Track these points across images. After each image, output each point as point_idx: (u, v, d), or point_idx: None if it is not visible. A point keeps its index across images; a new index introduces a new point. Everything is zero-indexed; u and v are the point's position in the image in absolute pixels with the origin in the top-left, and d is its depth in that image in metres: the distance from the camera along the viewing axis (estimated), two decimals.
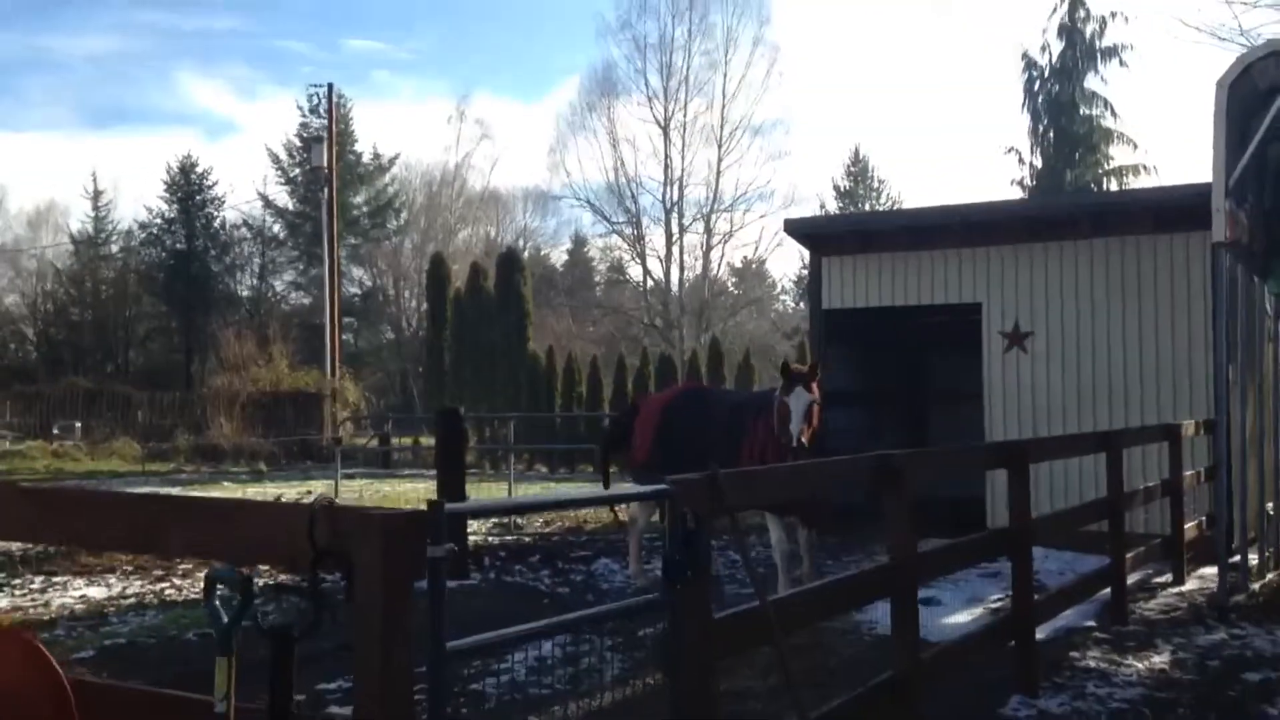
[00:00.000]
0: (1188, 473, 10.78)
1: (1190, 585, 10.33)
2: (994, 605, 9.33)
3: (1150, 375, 12.90)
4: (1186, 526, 10.65)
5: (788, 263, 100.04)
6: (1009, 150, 37.12)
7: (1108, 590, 8.51)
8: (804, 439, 8.73)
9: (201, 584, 8.76)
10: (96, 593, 10.04)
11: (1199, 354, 12.59)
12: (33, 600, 9.67)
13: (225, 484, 23.58)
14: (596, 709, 6.10)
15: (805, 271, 56.12)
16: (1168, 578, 10.51)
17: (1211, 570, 11.10)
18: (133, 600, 9.69)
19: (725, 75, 50.05)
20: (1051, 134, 35.39)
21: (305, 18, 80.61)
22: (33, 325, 53.77)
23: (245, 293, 57.49)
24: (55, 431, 33.37)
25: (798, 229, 16.03)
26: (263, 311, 52.40)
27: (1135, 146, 35.76)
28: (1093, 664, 7.39)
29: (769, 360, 41.98)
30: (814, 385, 8.99)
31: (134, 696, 3.44)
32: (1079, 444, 8.04)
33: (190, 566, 11.31)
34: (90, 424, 33.81)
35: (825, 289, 14.88)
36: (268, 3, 79.12)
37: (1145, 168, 35.29)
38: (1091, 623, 8.47)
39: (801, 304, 58.00)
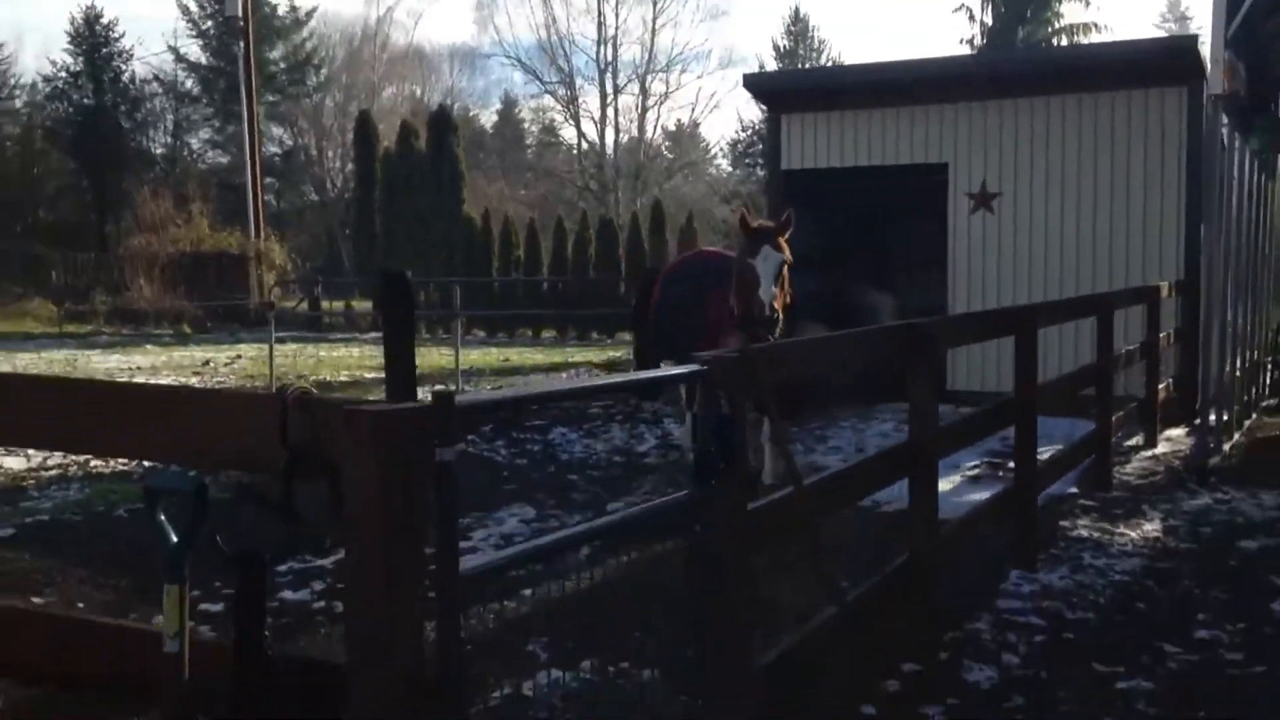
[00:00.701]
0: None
1: (1162, 448, 10.15)
2: (971, 472, 9.05)
3: (1120, 236, 12.53)
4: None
5: (724, 126, 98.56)
6: (959, 7, 36.22)
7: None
8: (776, 307, 7.20)
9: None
10: (14, 464, 9.30)
11: (1170, 213, 12.23)
12: None
13: (148, 347, 22.59)
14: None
15: (743, 134, 55.34)
16: (1137, 440, 10.34)
17: (1178, 432, 10.98)
18: (55, 472, 8.98)
19: None
20: None
21: None
22: None
23: (160, 150, 54.88)
24: None
25: (757, 84, 15.23)
26: (179, 170, 50.14)
27: (1087, 3, 35.14)
28: (1085, 533, 7.11)
29: (709, 225, 41.33)
30: (783, 242, 7.38)
31: (68, 628, 2.82)
32: (1077, 307, 7.63)
33: None
34: (1, 284, 32.21)
35: (785, 149, 14.20)
36: None
37: (1096, 26, 34.68)
38: (1074, 489, 8.19)
39: (737, 169, 57.15)
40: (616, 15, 49.71)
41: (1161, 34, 41.25)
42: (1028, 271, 13.03)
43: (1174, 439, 10.63)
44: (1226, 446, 9.76)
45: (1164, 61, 12.09)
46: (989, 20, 34.87)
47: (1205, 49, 10.74)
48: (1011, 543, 6.17)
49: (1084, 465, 8.09)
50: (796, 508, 3.60)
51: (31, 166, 51.16)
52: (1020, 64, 13.77)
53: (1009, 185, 13.09)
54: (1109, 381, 8.22)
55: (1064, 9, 34.55)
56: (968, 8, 35.71)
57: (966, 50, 34.66)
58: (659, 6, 48.96)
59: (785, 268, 7.39)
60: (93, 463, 9.34)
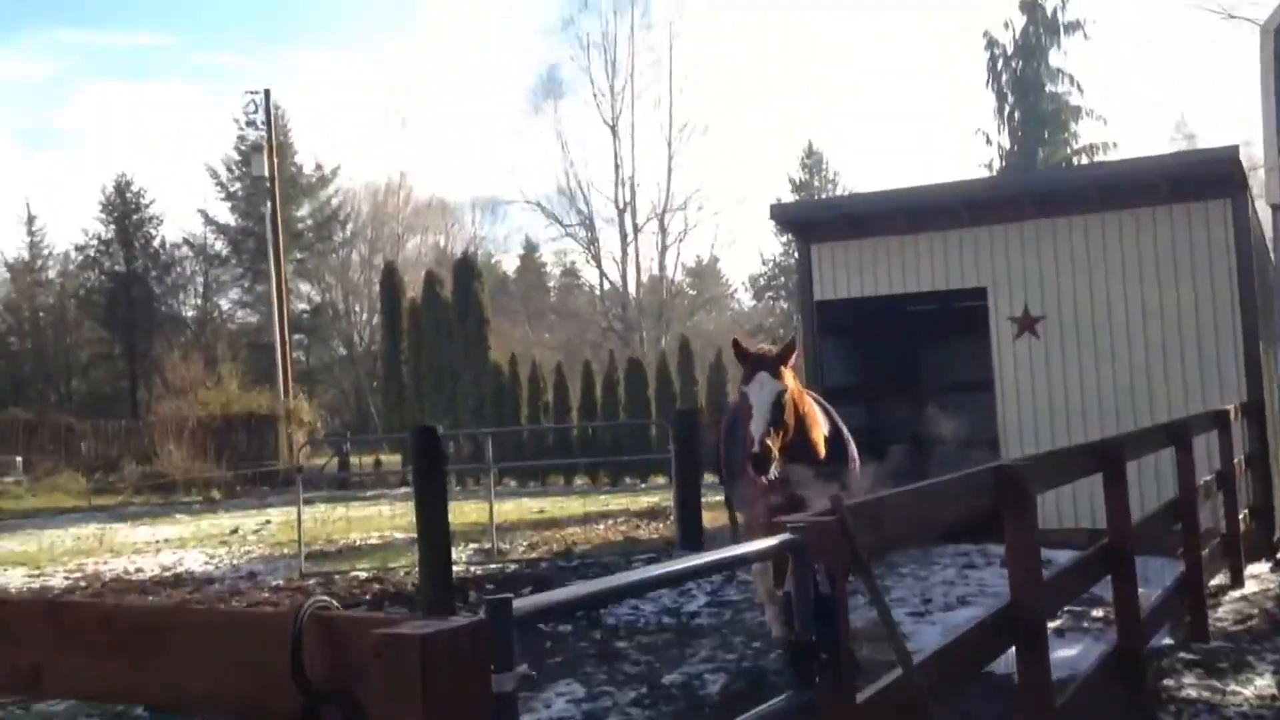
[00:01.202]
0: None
1: (1250, 587, 9.42)
2: (1053, 623, 8.34)
3: (1175, 356, 12.01)
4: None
5: (744, 261, 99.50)
6: (976, 132, 36.60)
7: None
8: (770, 445, 6.14)
9: None
10: None
11: (1226, 331, 11.74)
12: None
13: (178, 516, 22.18)
14: None
15: (764, 268, 55.66)
16: (1222, 579, 9.59)
17: (1262, 568, 10.27)
18: None
19: (672, 73, 49.22)
20: (1018, 113, 34.82)
21: (235, 29, 78.48)
22: None
23: (190, 313, 55.66)
24: None
25: (783, 214, 15.04)
26: (209, 332, 50.69)
27: (1105, 122, 35.42)
28: (1194, 693, 6.42)
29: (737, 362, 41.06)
30: (784, 371, 6.43)
31: None
32: (1155, 437, 7.09)
33: None
34: (31, 458, 32.07)
35: (815, 279, 13.87)
36: (192, 16, 76.93)
37: (1114, 144, 34.89)
38: (1168, 640, 7.50)
39: (759, 302, 57.28)
40: (633, 158, 50.40)
41: (1174, 150, 41.41)
42: (1080, 397, 12.50)
43: (1260, 576, 9.91)
44: None
45: (1206, 173, 11.78)
46: (1006, 143, 35.15)
47: (1248, 159, 10.49)
48: (1123, 711, 5.51)
49: (1175, 612, 7.42)
50: (910, 694, 3.07)
51: (65, 336, 51.91)
52: (1056, 182, 13.50)
53: (1052, 308, 12.66)
54: (1194, 516, 7.61)
55: (1080, 129, 34.87)
56: (984, 132, 36.15)
57: (986, 174, 35.10)
58: (673, 148, 49.79)
59: (784, 398, 6.35)
60: None
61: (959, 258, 13.11)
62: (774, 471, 6.14)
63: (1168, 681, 6.58)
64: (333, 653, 1.80)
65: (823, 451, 6.65)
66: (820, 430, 6.75)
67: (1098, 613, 8.52)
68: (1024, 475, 4.22)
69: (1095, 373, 12.44)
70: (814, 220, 14.09)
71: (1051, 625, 8.20)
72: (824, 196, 45.99)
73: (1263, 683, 6.59)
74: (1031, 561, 4.18)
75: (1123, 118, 69.54)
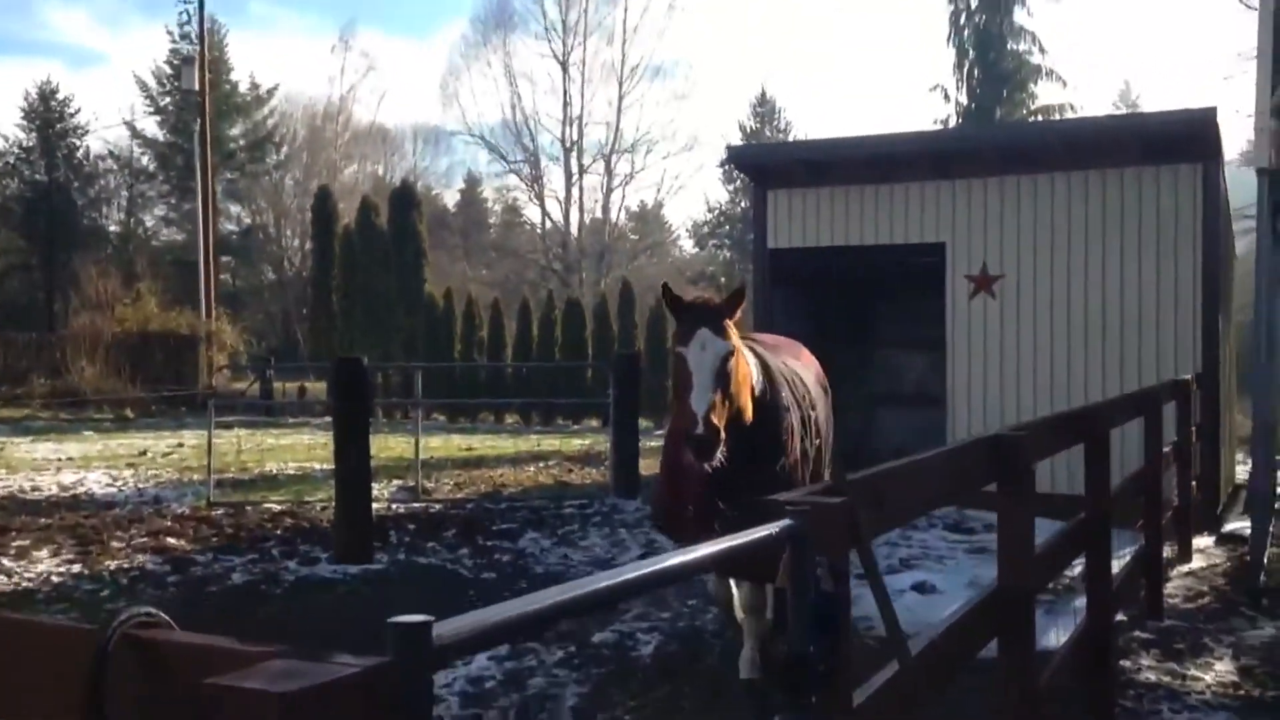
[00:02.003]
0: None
1: (1197, 562, 9.15)
2: None
3: (1132, 324, 11.68)
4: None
5: (689, 207, 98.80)
6: (934, 87, 36.05)
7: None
8: (716, 423, 4.63)
9: (37, 569, 6.52)
10: None
11: (1186, 300, 11.43)
12: None
13: (86, 433, 21.17)
14: None
15: (709, 215, 55.04)
16: (1169, 552, 9.30)
17: (1206, 541, 10.04)
18: None
19: (626, 9, 48.08)
20: (978, 70, 34.34)
21: None
22: None
23: (114, 229, 53.56)
24: None
25: (742, 157, 14.46)
26: (131, 248, 48.82)
27: (1065, 84, 35.10)
28: (1153, 676, 6.07)
29: None
30: (729, 326, 4.92)
31: None
32: (1124, 407, 6.66)
33: (27, 543, 9.30)
34: None
35: (771, 226, 13.33)
36: None
37: (1072, 106, 34.59)
38: (1121, 616, 7.14)
39: (702, 250, 56.72)
40: (582, 95, 49.31)
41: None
42: (1033, 360, 12.15)
43: (1206, 550, 9.65)
44: (1265, 560, 8.80)
45: (1179, 136, 11.38)
46: (964, 100, 34.69)
47: (1227, 123, 10.08)
48: (1090, 697, 5.10)
49: (1134, 588, 7.06)
50: (908, 690, 2.57)
51: None
52: (1024, 137, 13.05)
53: (1011, 267, 12.26)
54: (1159, 487, 7.24)
55: (1039, 89, 34.52)
56: (943, 88, 35.59)
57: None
58: (624, 88, 48.76)
59: (731, 361, 4.78)
60: None
61: (919, 211, 12.63)
62: (719, 458, 4.61)
63: (1125, 663, 6.22)
64: (151, 689, 1.21)
65: (750, 417, 5.02)
66: (748, 392, 5.05)
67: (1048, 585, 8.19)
68: (1024, 446, 3.71)
69: (1050, 336, 12.08)
70: (772, 165, 13.50)
71: None
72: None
73: (1222, 668, 6.26)
74: (1026, 539, 3.68)
75: (1080, 81, 69.81)
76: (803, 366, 6.17)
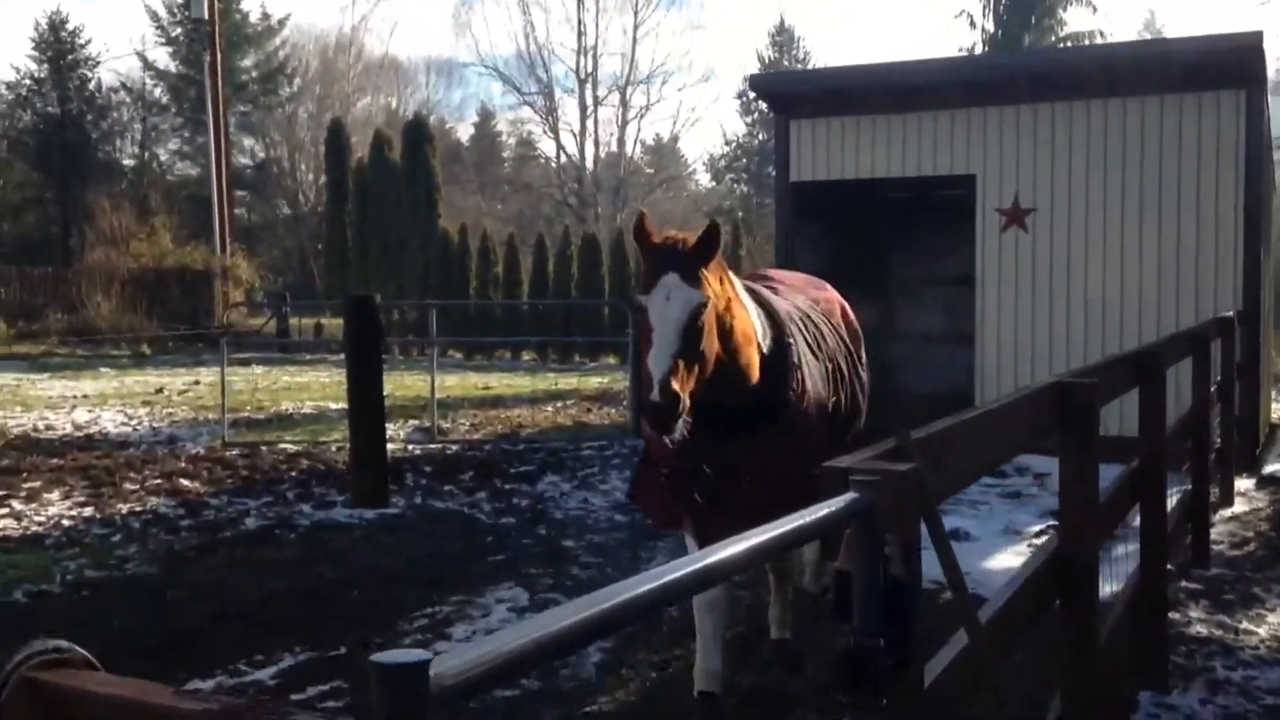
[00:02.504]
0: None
1: (1239, 506, 8.86)
2: (1036, 538, 7.74)
3: (1170, 258, 11.29)
4: None
5: (705, 140, 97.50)
6: (960, 14, 34.98)
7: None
8: (676, 389, 3.74)
9: (48, 512, 6.30)
10: None
11: (1227, 233, 11.02)
12: None
13: (102, 370, 21.06)
14: None
15: (725, 148, 54.26)
16: (1212, 496, 9.03)
17: (1247, 484, 9.76)
18: None
19: None
20: None
21: None
22: None
23: (128, 161, 53.16)
24: None
25: (764, 85, 14.00)
26: (146, 182, 48.45)
27: (1094, 9, 33.99)
28: (1203, 630, 5.81)
29: None
30: (705, 274, 3.97)
31: None
32: (1177, 346, 6.34)
33: (38, 485, 9.15)
34: None
35: (794, 158, 12.90)
36: None
37: (1102, 33, 33.58)
38: (1168, 565, 6.88)
39: (718, 183, 56.02)
40: (597, 25, 48.52)
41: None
42: (1066, 296, 11.78)
43: (1247, 494, 9.37)
44: None
45: (1222, 62, 10.88)
46: (990, 27, 33.70)
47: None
48: (1140, 655, 4.85)
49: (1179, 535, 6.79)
50: (978, 664, 2.31)
51: None
52: (1058, 63, 12.51)
53: (1044, 200, 11.84)
54: (1207, 430, 6.94)
55: (1070, 14, 33.48)
56: (968, 14, 34.56)
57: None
58: (640, 16, 47.83)
59: (702, 311, 3.85)
60: (1, 523, 7.90)
61: (949, 142, 12.18)
62: (680, 429, 3.74)
63: (1174, 615, 5.97)
64: None
65: (755, 375, 4.17)
66: (754, 348, 4.19)
67: (1038, 527, 7.97)
68: (1092, 392, 3.41)
69: (1084, 271, 11.70)
70: (796, 94, 13.03)
71: (1037, 539, 7.61)
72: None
73: (1275, 620, 6.00)
74: (1092, 492, 3.40)
75: (1109, 7, 68.06)
76: (825, 307, 5.35)
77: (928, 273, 14.89)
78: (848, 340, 5.38)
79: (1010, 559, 7.28)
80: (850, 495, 1.76)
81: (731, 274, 4.21)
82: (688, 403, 3.73)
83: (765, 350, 4.24)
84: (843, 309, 5.63)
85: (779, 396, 4.27)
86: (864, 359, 5.61)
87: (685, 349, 3.77)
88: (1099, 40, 32.49)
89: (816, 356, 4.70)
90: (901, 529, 1.88)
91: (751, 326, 4.20)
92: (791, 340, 4.41)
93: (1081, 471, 3.45)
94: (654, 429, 3.82)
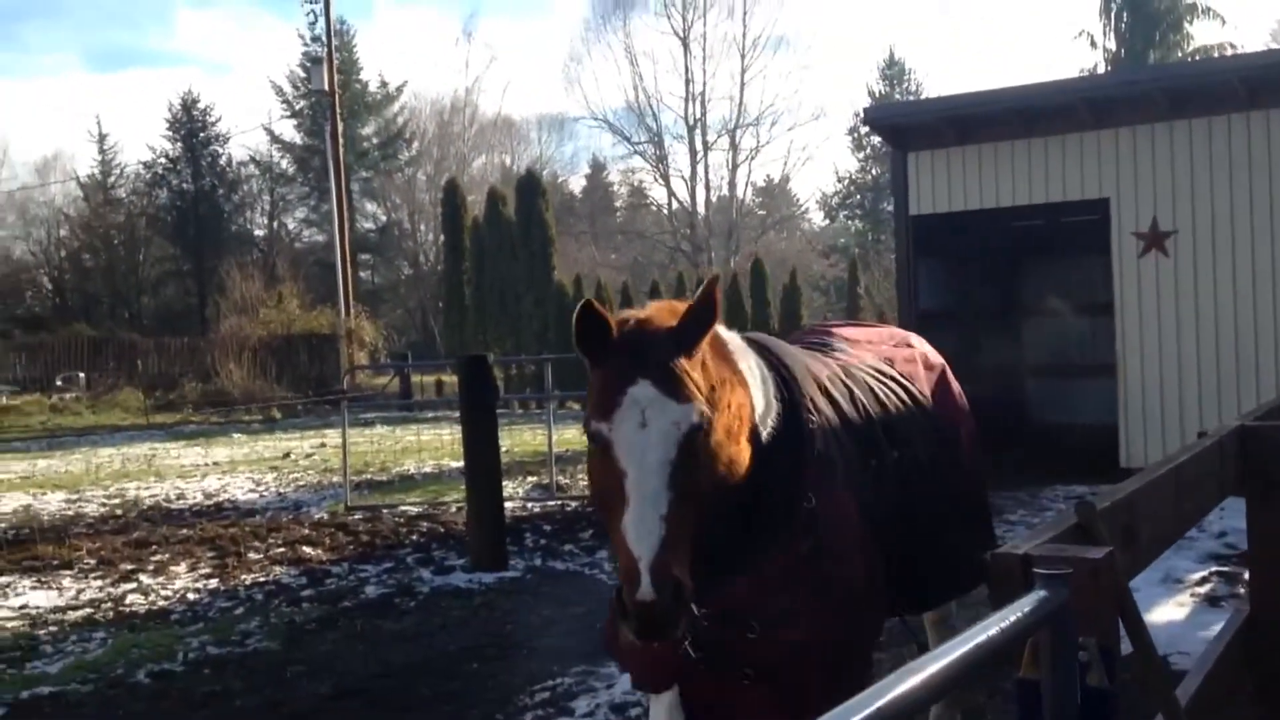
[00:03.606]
0: None
1: None
2: (1199, 587, 7.11)
3: None
4: None
5: (817, 179, 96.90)
6: (1079, 34, 33.85)
7: None
8: (678, 575, 2.36)
9: (174, 586, 6.26)
10: (42, 599, 7.96)
11: None
12: None
13: (235, 436, 21.57)
14: None
15: (840, 185, 53.63)
16: None
17: None
18: (84, 613, 7.58)
19: None
20: (1126, 13, 32.12)
21: None
22: (47, 274, 51.73)
23: (259, 233, 55.23)
24: (58, 384, 31.43)
25: (879, 118, 13.59)
26: (275, 251, 50.17)
27: (1223, 21, 32.57)
28: None
29: (809, 282, 39.56)
30: (687, 372, 2.55)
31: None
32: None
33: (166, 557, 9.22)
34: (94, 375, 31.87)
35: (912, 190, 12.47)
36: None
37: (1232, 45, 32.11)
38: None
39: (830, 220, 55.36)
40: (704, 71, 48.48)
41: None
42: (1214, 321, 11.05)
43: None
44: None
45: None
46: (1112, 45, 32.51)
47: None
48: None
49: None
50: None
51: (136, 253, 51.72)
52: (1197, 76, 11.81)
53: (1185, 221, 11.16)
54: None
55: (1195, 29, 32.09)
56: (1088, 34, 33.38)
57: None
58: (746, 60, 47.74)
59: (708, 438, 2.56)
60: (129, 598, 7.94)
61: (1078, 165, 11.61)
62: (685, 627, 2.46)
63: None
64: None
65: (743, 468, 2.71)
66: (744, 433, 2.76)
67: (1199, 574, 7.32)
68: (1272, 438, 2.97)
69: (1232, 294, 10.97)
70: (912, 124, 12.61)
71: (1197, 587, 6.98)
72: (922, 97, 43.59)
73: None
74: None
75: (1238, 18, 65.39)
76: (906, 369, 3.85)
77: (1061, 303, 14.20)
78: (939, 415, 3.79)
79: (1174, 611, 6.67)
80: (1038, 594, 1.42)
81: (721, 327, 2.77)
82: (692, 585, 2.36)
83: (767, 431, 2.82)
84: (931, 370, 4.04)
85: (783, 506, 2.78)
86: (962, 443, 3.95)
87: (679, 504, 2.38)
88: (1229, 53, 31.12)
89: (857, 421, 3.20)
90: (1100, 630, 1.53)
91: (746, 414, 2.75)
92: (813, 415, 2.93)
93: (1270, 527, 3.00)
94: (646, 637, 2.34)
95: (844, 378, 3.33)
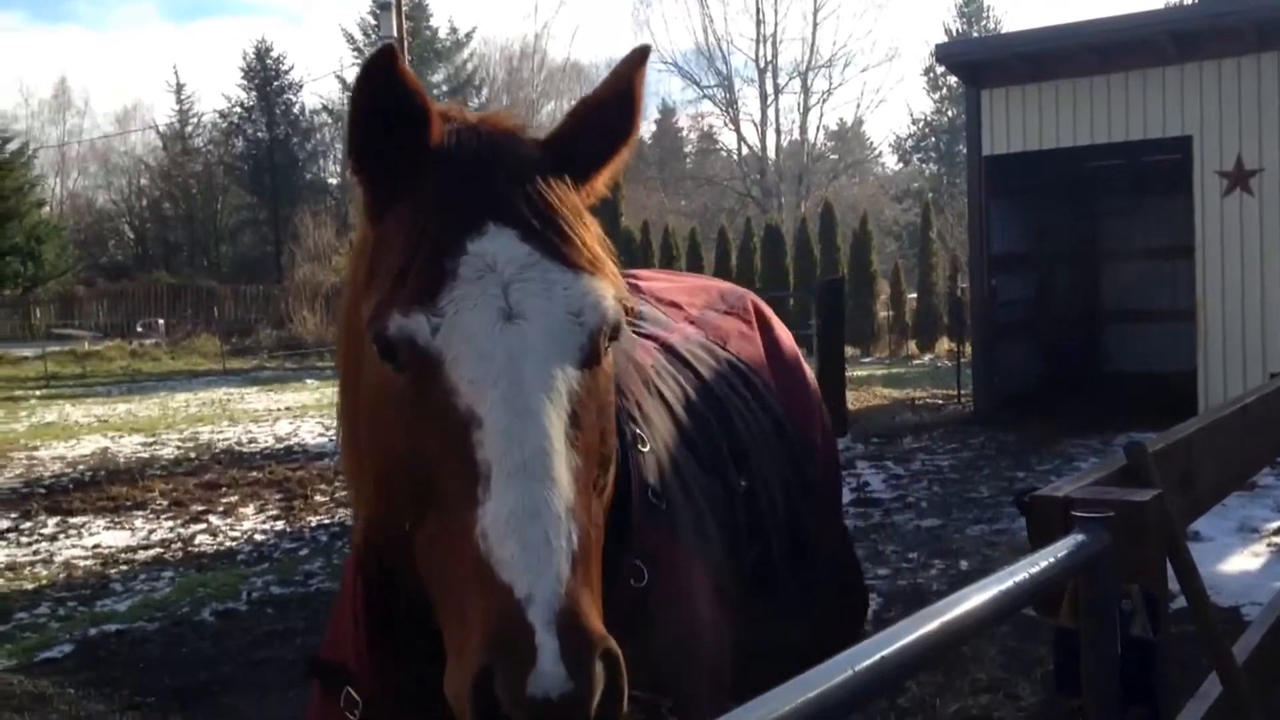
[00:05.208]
0: None
1: None
2: (1276, 536, 6.88)
3: None
4: None
5: (891, 121, 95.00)
6: None
7: None
8: (595, 621, 1.22)
9: (242, 527, 6.24)
10: (114, 539, 8.17)
11: None
12: (34, 553, 7.81)
13: (308, 381, 21.92)
14: None
15: (914, 128, 52.51)
16: None
17: None
18: (153, 552, 7.76)
19: None
20: None
21: None
22: (129, 222, 52.92)
23: (333, 180, 55.78)
24: (139, 330, 32.23)
25: (952, 55, 13.21)
26: (348, 199, 50.67)
27: None
28: None
29: (882, 228, 38.93)
30: (577, 216, 1.46)
31: None
32: None
33: (235, 499, 9.40)
34: (173, 321, 32.60)
35: (987, 130, 12.12)
36: None
37: None
38: None
39: (904, 164, 54.31)
40: (775, 12, 47.72)
41: None
42: None
43: None
44: None
45: None
46: None
47: None
48: None
49: None
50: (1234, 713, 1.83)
51: (213, 202, 52.62)
52: None
53: (1272, 160, 10.70)
54: None
55: None
56: None
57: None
58: (819, 1, 46.75)
59: (608, 381, 1.47)
60: (198, 538, 8.11)
61: (1159, 102, 11.17)
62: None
63: None
64: None
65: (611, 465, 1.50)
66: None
67: (1277, 524, 7.08)
68: None
69: None
70: (987, 60, 12.23)
71: (1274, 536, 6.76)
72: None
73: None
74: None
75: None
76: (739, 341, 2.64)
77: (1140, 245, 13.79)
78: (791, 422, 2.51)
79: (1248, 561, 6.48)
80: (1075, 538, 1.32)
81: None
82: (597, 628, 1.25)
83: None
84: (777, 349, 2.82)
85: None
86: (819, 466, 2.60)
87: (585, 481, 1.35)
88: None
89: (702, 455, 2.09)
90: (1145, 577, 1.43)
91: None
92: (641, 428, 1.87)
93: None
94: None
95: (672, 368, 2.18)
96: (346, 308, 1.54)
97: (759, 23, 47.46)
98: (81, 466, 11.46)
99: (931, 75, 48.74)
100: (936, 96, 50.15)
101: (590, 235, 1.44)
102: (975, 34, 46.48)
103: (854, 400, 12.18)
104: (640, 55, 1.55)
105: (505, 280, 1.33)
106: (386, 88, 1.37)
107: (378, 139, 1.40)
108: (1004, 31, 43.35)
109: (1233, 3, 10.13)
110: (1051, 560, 1.27)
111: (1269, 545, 6.70)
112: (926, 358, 23.33)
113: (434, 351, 1.30)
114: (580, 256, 1.38)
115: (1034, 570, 1.24)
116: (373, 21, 51.24)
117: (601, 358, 1.38)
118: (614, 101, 1.51)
